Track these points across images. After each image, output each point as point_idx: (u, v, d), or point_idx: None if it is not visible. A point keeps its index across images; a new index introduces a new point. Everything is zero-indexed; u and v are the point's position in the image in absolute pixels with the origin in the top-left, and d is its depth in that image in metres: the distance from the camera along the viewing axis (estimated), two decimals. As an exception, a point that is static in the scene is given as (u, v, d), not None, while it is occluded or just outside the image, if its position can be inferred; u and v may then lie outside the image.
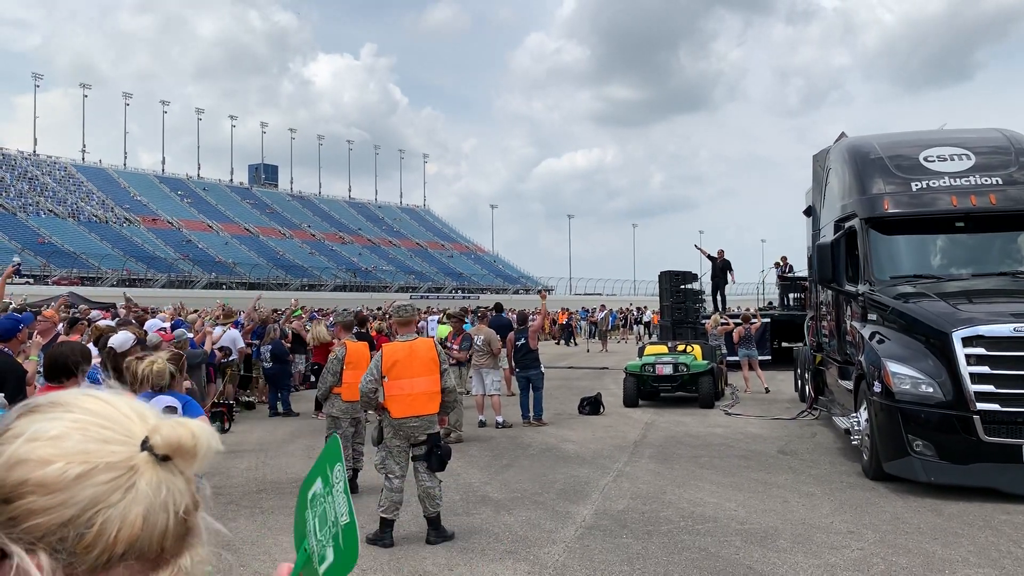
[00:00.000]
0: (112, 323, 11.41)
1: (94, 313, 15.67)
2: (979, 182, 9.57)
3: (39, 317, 9.21)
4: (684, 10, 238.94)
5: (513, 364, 13.36)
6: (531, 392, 12.80)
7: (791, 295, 24.04)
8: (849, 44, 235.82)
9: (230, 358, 13.98)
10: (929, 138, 10.72)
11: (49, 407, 0.86)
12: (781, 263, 26.46)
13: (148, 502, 0.81)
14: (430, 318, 21.07)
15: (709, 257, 24.41)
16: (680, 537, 6.56)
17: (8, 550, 0.78)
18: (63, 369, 4.72)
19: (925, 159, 10.03)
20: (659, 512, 7.34)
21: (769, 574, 5.68)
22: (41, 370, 6.63)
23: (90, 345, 7.19)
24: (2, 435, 0.84)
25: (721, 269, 24.00)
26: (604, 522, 7.03)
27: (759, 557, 6.02)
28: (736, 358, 17.27)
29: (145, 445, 0.84)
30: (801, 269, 21.87)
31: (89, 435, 0.82)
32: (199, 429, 0.87)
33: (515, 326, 13.57)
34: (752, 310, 24.31)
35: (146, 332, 9.79)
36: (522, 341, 12.98)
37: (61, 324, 9.55)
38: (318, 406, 8.54)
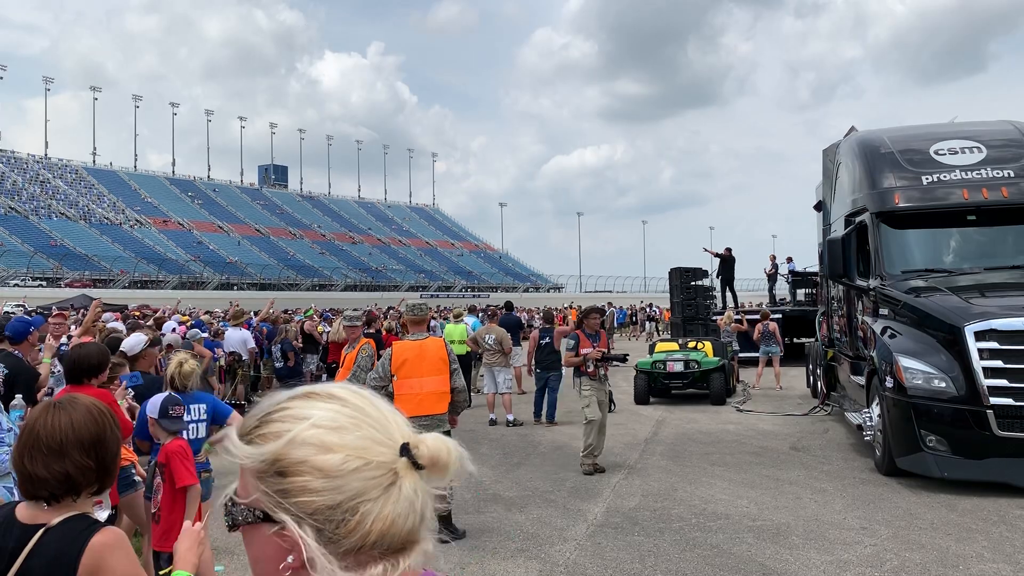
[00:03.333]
0: (121, 324, 11.48)
1: (106, 315, 15.73)
2: (991, 175, 9.50)
3: (52, 320, 9.27)
4: (692, 4, 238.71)
5: (534, 362, 13.35)
6: (546, 392, 12.79)
7: (802, 290, 24.01)
8: (860, 36, 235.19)
9: (242, 359, 14.03)
10: (940, 131, 10.65)
11: (326, 397, 0.97)
12: (770, 261, 26.65)
13: (407, 503, 0.92)
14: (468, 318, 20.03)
15: (717, 255, 24.40)
16: (692, 534, 6.54)
17: (276, 517, 0.90)
18: (85, 370, 4.75)
19: (936, 152, 9.96)
20: (671, 509, 7.32)
21: (781, 571, 5.65)
22: (54, 371, 6.67)
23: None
24: (278, 412, 0.95)
25: (729, 266, 24.01)
26: (615, 520, 7.02)
27: (771, 554, 6.00)
28: (755, 354, 17.24)
29: (406, 451, 0.94)
30: (811, 265, 21.82)
31: (363, 433, 0.93)
32: (455, 447, 0.98)
33: (531, 324, 13.56)
34: (765, 305, 24.28)
35: (163, 333, 9.83)
36: (547, 340, 13.00)
37: (74, 326, 9.59)
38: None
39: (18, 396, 5.30)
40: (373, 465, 0.91)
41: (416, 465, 0.94)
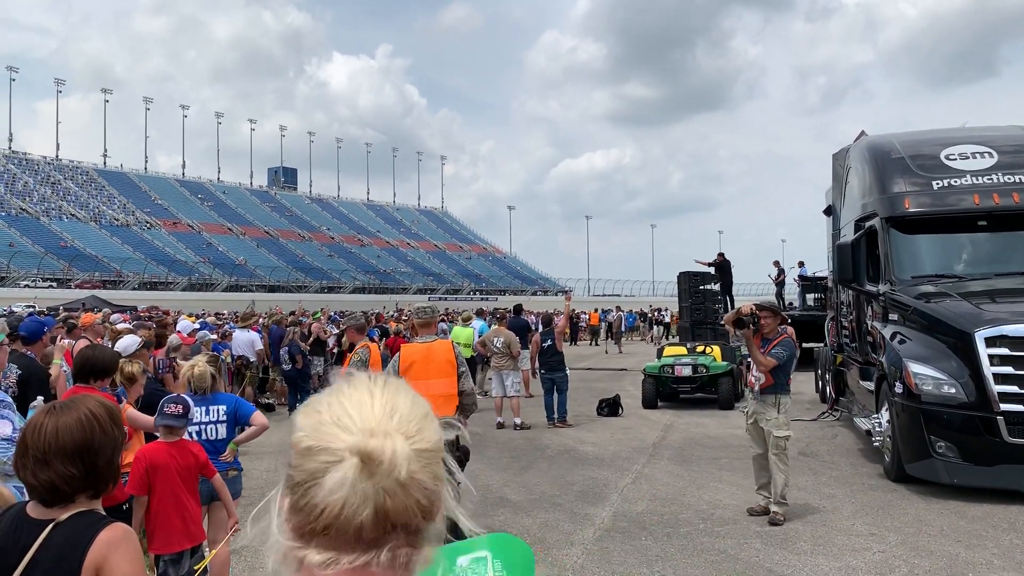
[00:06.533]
0: (130, 325, 11.53)
1: (114, 316, 15.81)
2: (1002, 180, 9.46)
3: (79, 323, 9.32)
4: (701, 7, 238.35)
5: (538, 365, 13.35)
6: (555, 394, 12.79)
7: (811, 295, 23.92)
8: (871, 40, 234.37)
9: (250, 361, 14.06)
10: (950, 136, 10.61)
11: (341, 385, 1.00)
12: (775, 267, 26.63)
13: (342, 492, 0.90)
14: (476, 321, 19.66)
15: (711, 264, 24.35)
16: (699, 539, 6.53)
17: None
18: (91, 371, 4.78)
19: (947, 157, 9.92)
20: (678, 514, 7.30)
21: (790, 577, 5.64)
22: (65, 371, 6.71)
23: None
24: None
25: (726, 271, 24.00)
26: (623, 524, 7.01)
27: (779, 559, 5.98)
28: None
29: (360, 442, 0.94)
30: (820, 270, 21.74)
31: (332, 418, 0.94)
32: (392, 445, 0.93)
33: (538, 328, 13.58)
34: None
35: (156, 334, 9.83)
36: (548, 343, 12.99)
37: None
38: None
39: (39, 399, 5.32)
40: (324, 448, 0.91)
41: (361, 460, 0.92)
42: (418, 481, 0.94)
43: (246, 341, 14.07)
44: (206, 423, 5.19)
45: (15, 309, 25.51)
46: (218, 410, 5.26)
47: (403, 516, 0.93)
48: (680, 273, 23.41)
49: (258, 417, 5.32)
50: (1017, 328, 7.68)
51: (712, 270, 23.67)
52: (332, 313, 25.67)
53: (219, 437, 5.21)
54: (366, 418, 0.94)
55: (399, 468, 0.92)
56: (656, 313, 43.91)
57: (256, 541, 0.98)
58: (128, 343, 6.54)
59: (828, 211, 14.38)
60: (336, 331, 18.43)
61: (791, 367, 7.28)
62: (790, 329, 7.32)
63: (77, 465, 2.08)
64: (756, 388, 7.24)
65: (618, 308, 39.97)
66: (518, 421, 12.50)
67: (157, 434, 4.61)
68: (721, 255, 24.30)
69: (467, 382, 6.70)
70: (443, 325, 19.55)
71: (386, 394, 0.99)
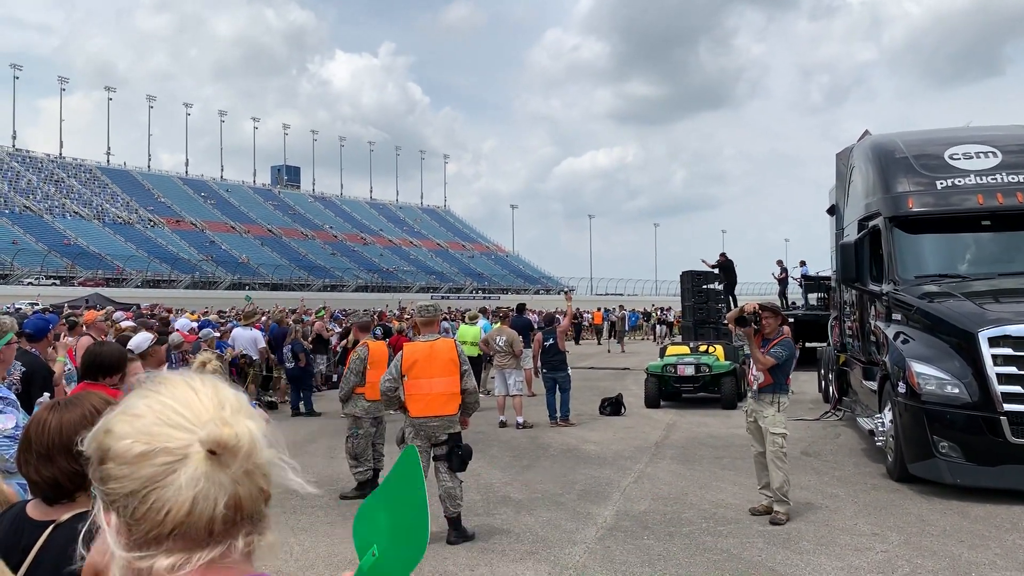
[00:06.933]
0: (134, 323, 11.55)
1: (117, 314, 15.84)
2: (1006, 180, 9.44)
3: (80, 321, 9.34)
4: (704, 5, 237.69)
5: (540, 365, 13.35)
6: (558, 393, 12.79)
7: (814, 295, 23.91)
8: (874, 39, 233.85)
9: (253, 359, 14.08)
10: (955, 136, 10.59)
11: (150, 386, 0.96)
12: (779, 266, 26.61)
13: (194, 490, 0.87)
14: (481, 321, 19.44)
15: (715, 266, 24.35)
16: (702, 538, 6.53)
17: (99, 502, 0.93)
18: (100, 368, 4.76)
19: (951, 157, 9.91)
20: (681, 513, 7.30)
21: (792, 576, 5.63)
22: (67, 370, 6.72)
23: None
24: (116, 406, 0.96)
25: (730, 271, 24.00)
26: (625, 523, 7.01)
27: (782, 559, 5.98)
28: None
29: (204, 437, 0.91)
30: (824, 269, 21.73)
31: (161, 418, 0.91)
32: (245, 430, 0.91)
33: (540, 326, 13.58)
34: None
35: (175, 330, 9.88)
36: (550, 342, 12.99)
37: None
38: (344, 405, 8.69)
39: (45, 395, 5.33)
40: (160, 451, 0.88)
41: (209, 451, 0.89)
42: (262, 467, 0.92)
43: (248, 339, 14.08)
44: None
45: (20, 307, 25.58)
46: None
47: (251, 503, 0.91)
48: (683, 272, 23.41)
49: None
50: (1021, 328, 7.66)
51: (716, 271, 23.70)
52: (334, 311, 25.68)
53: None
54: (199, 412, 0.91)
55: (257, 452, 0.90)
56: (660, 312, 43.90)
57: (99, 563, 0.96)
58: (140, 340, 6.56)
59: (831, 210, 14.36)
60: (339, 329, 18.47)
61: (790, 367, 7.30)
62: (786, 329, 7.36)
63: (80, 462, 2.08)
64: (755, 387, 7.26)
65: (621, 307, 39.97)
66: (520, 420, 12.51)
67: None
68: (723, 255, 24.29)
69: (470, 380, 6.70)
70: (444, 324, 19.57)
71: (207, 387, 0.96)
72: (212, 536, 0.89)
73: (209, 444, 0.88)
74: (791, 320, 19.73)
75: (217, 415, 0.91)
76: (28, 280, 49.78)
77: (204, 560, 0.88)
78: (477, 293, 75.99)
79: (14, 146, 75.22)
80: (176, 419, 0.90)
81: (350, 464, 8.40)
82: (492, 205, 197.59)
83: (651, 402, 14.62)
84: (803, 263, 26.63)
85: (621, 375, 21.69)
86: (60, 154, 77.85)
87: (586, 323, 41.45)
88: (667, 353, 16.17)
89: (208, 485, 0.87)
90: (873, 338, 10.12)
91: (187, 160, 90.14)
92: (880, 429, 8.79)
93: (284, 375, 15.34)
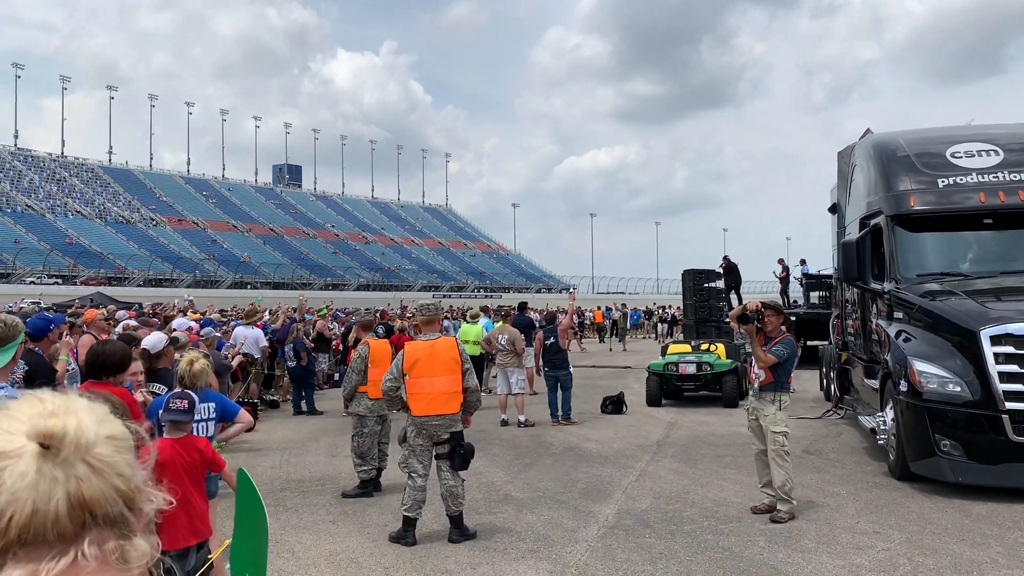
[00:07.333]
0: (135, 323, 11.56)
1: (120, 313, 15.85)
2: (1008, 178, 9.43)
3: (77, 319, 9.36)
4: (706, 4, 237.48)
5: (542, 363, 13.35)
6: (559, 391, 12.80)
7: (815, 293, 23.91)
8: (876, 37, 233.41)
9: (255, 359, 14.08)
10: (956, 134, 10.58)
11: (4, 404, 0.91)
12: (780, 264, 26.63)
13: (25, 482, 0.83)
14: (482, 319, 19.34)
15: (719, 269, 24.45)
16: (703, 537, 6.53)
17: None
18: (104, 367, 4.77)
19: (952, 155, 9.90)
20: (682, 512, 7.31)
21: (793, 575, 5.64)
22: (70, 369, 6.73)
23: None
24: None
25: (734, 273, 24.04)
26: (627, 522, 7.02)
27: (783, 557, 5.98)
28: None
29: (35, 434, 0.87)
30: (825, 267, 21.71)
31: (2, 429, 0.87)
32: (75, 422, 0.88)
33: (541, 325, 13.59)
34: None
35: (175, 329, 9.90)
36: (551, 340, 12.99)
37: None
38: (347, 405, 8.70)
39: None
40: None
41: (42, 447, 0.86)
42: (112, 465, 0.88)
43: (251, 338, 14.09)
44: (198, 420, 5.17)
45: (23, 305, 25.57)
46: (208, 407, 5.25)
47: (102, 503, 0.86)
48: (685, 271, 23.42)
49: (244, 416, 5.34)
50: (1022, 326, 7.67)
51: (723, 275, 23.81)
52: (336, 310, 25.67)
53: (209, 434, 5.20)
54: (38, 412, 0.88)
55: (87, 443, 0.87)
56: (662, 311, 43.88)
57: None
58: (155, 340, 6.58)
59: (833, 209, 14.36)
60: (340, 328, 18.48)
61: (791, 366, 7.32)
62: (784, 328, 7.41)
63: None
64: (756, 385, 7.29)
65: (623, 305, 39.95)
66: (522, 419, 12.51)
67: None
68: (726, 258, 24.33)
69: (471, 379, 6.71)
70: (446, 323, 19.58)
71: (58, 398, 0.92)
72: (61, 538, 0.84)
73: (36, 437, 0.85)
74: (792, 318, 19.79)
75: (46, 411, 0.88)
76: (30, 279, 49.84)
77: (59, 567, 0.83)
78: (479, 292, 75.98)
79: (16, 145, 75.29)
80: (15, 425, 0.87)
81: (355, 463, 8.39)
82: (494, 204, 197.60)
83: (653, 400, 14.63)
84: (803, 261, 26.62)
85: (622, 373, 21.69)
86: (62, 153, 77.89)
87: (587, 322, 41.44)
88: (669, 351, 16.17)
89: (39, 478, 0.84)
90: (875, 336, 10.11)
91: (189, 159, 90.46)
92: (882, 427, 8.79)
93: (286, 374, 15.37)
